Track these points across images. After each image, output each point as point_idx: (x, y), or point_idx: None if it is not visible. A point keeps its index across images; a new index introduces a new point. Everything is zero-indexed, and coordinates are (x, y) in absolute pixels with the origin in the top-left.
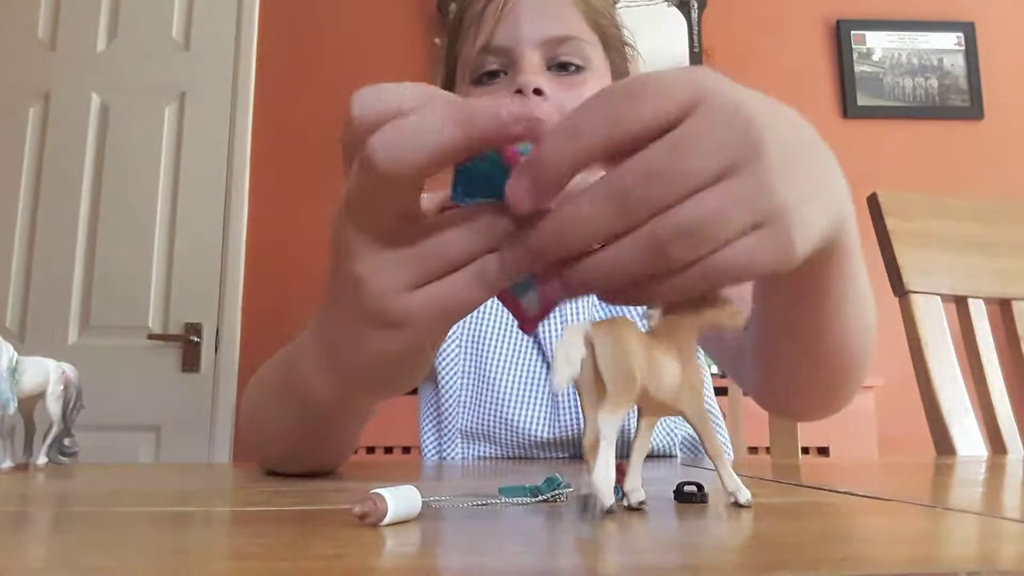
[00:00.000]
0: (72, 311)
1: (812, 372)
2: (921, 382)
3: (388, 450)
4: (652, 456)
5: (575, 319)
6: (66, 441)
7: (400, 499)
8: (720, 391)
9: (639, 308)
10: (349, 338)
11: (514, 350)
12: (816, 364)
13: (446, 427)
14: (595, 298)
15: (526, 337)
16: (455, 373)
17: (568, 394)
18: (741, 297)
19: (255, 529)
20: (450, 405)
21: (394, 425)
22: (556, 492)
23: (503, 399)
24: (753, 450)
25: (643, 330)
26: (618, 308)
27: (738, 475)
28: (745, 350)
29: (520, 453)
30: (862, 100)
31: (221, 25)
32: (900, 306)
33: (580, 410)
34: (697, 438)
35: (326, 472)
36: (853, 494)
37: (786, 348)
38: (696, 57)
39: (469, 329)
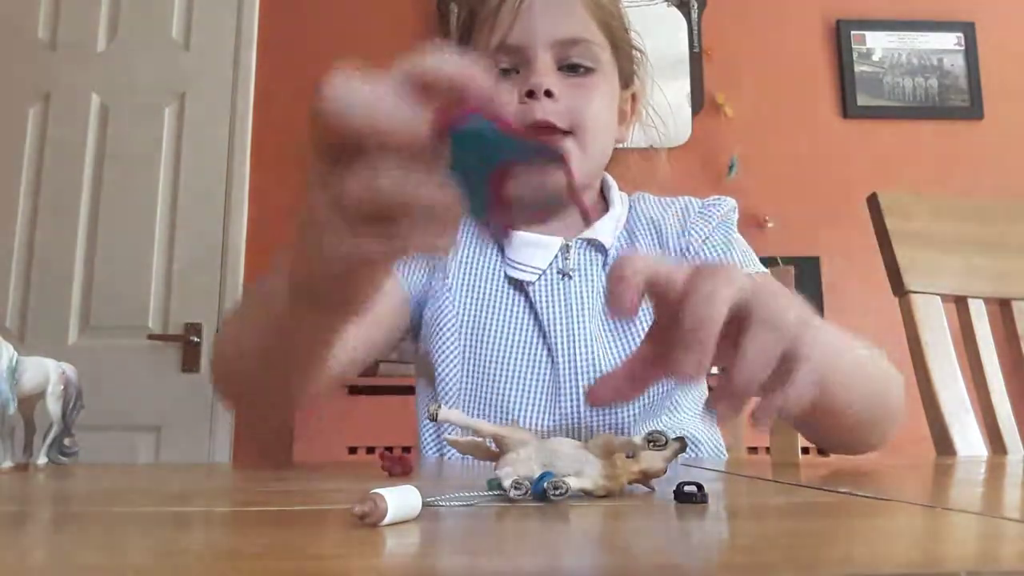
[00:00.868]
0: (72, 311)
1: (830, 438)
2: (921, 382)
3: (388, 450)
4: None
5: (580, 308)
6: (66, 441)
7: (400, 499)
8: None
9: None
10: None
11: (515, 339)
12: (833, 432)
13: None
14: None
15: (528, 326)
16: (454, 366)
17: (568, 381)
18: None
19: (255, 529)
20: (448, 399)
21: (394, 425)
22: (542, 485)
23: (502, 389)
24: (753, 450)
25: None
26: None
27: (738, 475)
28: None
29: None
30: (862, 100)
31: (221, 25)
32: (900, 306)
33: (582, 398)
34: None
35: (294, 402)
36: (853, 494)
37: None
38: (696, 57)
39: (468, 320)
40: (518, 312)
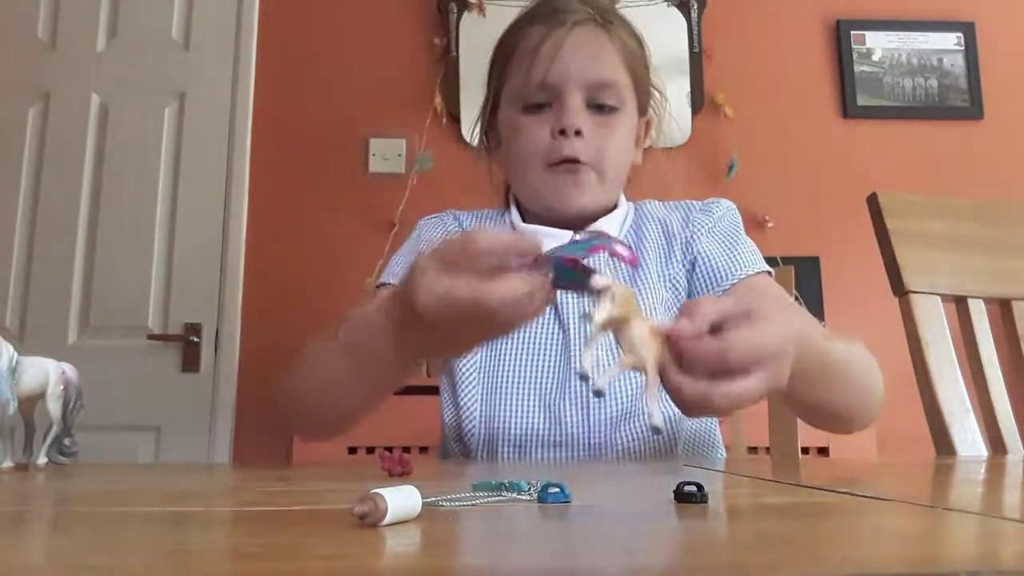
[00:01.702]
0: (72, 311)
1: (821, 421)
2: (921, 382)
3: (388, 450)
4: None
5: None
6: (66, 441)
7: (400, 499)
8: None
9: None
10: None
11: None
12: (822, 416)
13: (464, 405)
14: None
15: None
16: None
17: (578, 347)
18: None
19: (255, 529)
20: (467, 371)
21: (395, 426)
22: (514, 490)
23: (517, 353)
24: (753, 450)
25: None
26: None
27: (738, 475)
28: None
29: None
30: (862, 100)
31: (221, 25)
32: (900, 306)
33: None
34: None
35: (356, 416)
36: (853, 494)
37: (796, 409)
38: (696, 57)
39: None
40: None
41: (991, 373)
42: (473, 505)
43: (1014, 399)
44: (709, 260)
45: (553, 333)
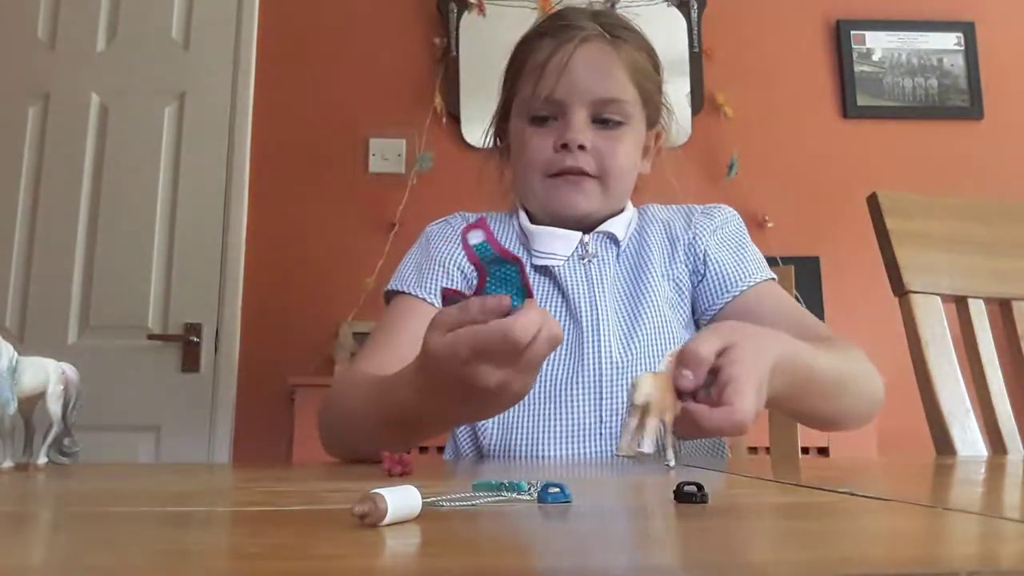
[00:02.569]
0: (72, 311)
1: (811, 425)
2: (921, 382)
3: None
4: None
5: (600, 284)
6: (66, 441)
7: (400, 499)
8: None
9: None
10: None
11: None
12: (809, 422)
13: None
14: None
15: (555, 299)
16: None
17: (589, 339)
18: None
19: (255, 529)
20: None
21: None
22: (514, 491)
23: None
24: (753, 450)
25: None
26: None
27: (738, 475)
28: None
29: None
30: (862, 100)
31: (221, 25)
32: (900, 306)
33: (601, 353)
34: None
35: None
36: (853, 494)
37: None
38: (696, 57)
39: None
40: (546, 291)
41: (991, 373)
42: (473, 505)
43: (1014, 399)
44: (719, 268)
45: (564, 324)
